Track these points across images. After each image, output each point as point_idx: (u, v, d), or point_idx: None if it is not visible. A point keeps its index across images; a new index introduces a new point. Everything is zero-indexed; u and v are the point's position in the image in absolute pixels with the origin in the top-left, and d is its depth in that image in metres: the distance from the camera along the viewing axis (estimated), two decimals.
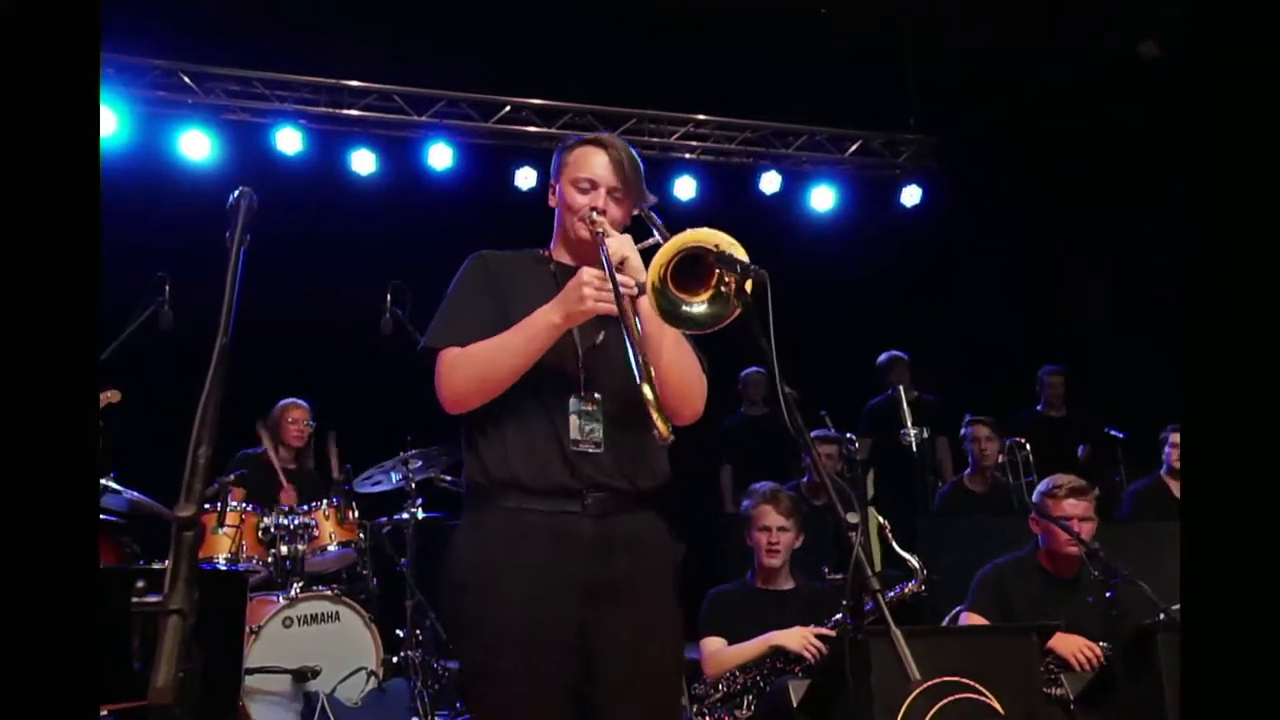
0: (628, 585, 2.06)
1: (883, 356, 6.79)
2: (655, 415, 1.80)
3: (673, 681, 2.22)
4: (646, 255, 2.00)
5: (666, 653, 2.13)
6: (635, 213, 2.22)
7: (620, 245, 2.01)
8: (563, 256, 2.25)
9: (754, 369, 6.78)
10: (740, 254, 1.85)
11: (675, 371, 2.09)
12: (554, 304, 2.02)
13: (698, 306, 1.89)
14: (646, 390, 1.81)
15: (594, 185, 2.17)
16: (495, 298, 2.16)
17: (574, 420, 2.08)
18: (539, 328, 2.02)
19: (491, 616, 2.00)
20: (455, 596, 2.09)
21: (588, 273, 1.98)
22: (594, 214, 2.13)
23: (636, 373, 1.83)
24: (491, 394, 2.07)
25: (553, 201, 2.27)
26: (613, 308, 1.92)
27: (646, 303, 1.93)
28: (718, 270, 1.87)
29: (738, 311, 1.86)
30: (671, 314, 1.89)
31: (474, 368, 2.06)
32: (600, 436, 2.08)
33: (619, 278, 1.93)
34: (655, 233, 2.09)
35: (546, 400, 2.09)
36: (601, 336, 2.15)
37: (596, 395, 2.10)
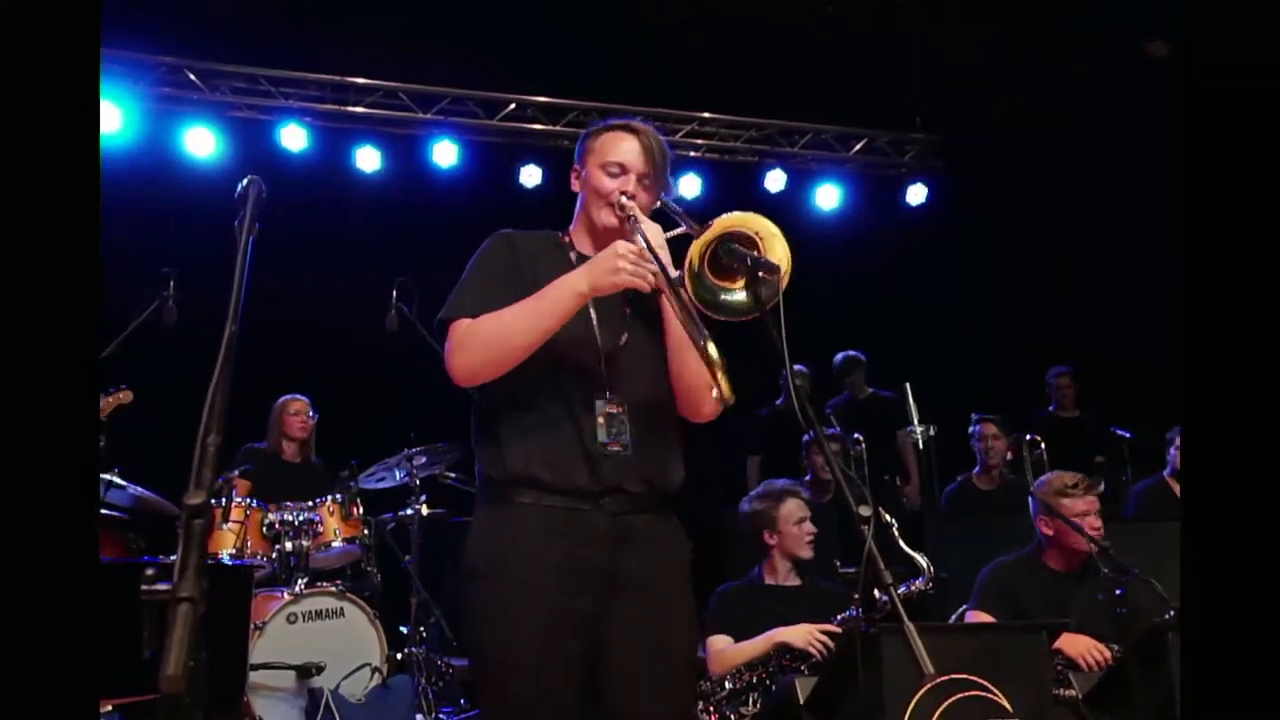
0: (640, 580, 2.04)
1: (838, 357, 6.81)
2: (720, 375, 1.75)
3: (686, 676, 2.17)
4: (674, 245, 1.95)
5: (679, 648, 2.11)
6: (657, 204, 2.16)
7: (651, 234, 1.96)
8: (583, 243, 2.19)
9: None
10: (779, 243, 1.81)
11: (703, 373, 2.04)
12: (581, 272, 1.96)
13: (738, 294, 1.83)
14: (712, 349, 1.75)
15: (624, 170, 2.10)
16: (516, 275, 2.11)
17: (602, 422, 2.03)
18: (562, 294, 1.95)
19: (508, 605, 1.98)
20: (469, 584, 2.06)
21: (623, 245, 1.91)
22: (624, 199, 2.07)
23: (697, 336, 1.77)
24: (506, 366, 2.00)
25: (576, 186, 2.20)
26: (644, 284, 1.87)
27: (671, 307, 1.87)
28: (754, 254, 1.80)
29: (781, 289, 1.79)
30: (711, 303, 1.84)
31: (488, 337, 2.00)
32: (628, 439, 2.04)
33: (660, 255, 1.87)
34: (680, 223, 2.02)
35: (568, 400, 2.05)
36: (625, 339, 2.10)
37: (622, 398, 2.06)
